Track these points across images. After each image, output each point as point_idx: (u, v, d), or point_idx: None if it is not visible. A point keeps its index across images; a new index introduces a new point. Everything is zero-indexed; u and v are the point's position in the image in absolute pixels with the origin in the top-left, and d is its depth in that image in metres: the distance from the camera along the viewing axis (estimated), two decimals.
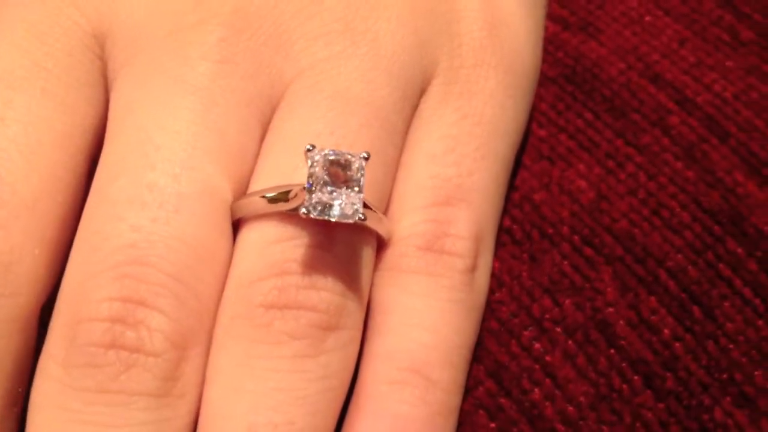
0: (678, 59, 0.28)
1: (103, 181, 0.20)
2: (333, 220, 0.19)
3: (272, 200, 0.20)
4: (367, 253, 0.21)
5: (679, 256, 0.24)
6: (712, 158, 0.26)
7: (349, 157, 0.20)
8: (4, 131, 0.20)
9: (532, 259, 0.24)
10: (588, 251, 0.24)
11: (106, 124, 0.22)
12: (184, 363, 0.19)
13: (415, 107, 0.23)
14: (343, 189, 0.20)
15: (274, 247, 0.20)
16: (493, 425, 0.22)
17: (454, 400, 0.21)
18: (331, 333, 0.20)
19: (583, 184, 0.26)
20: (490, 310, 0.23)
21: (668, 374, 0.22)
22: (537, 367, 0.23)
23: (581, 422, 0.22)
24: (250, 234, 0.20)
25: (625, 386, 0.22)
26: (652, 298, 0.23)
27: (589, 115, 0.27)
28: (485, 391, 0.22)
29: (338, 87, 0.21)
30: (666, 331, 0.23)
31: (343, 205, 0.19)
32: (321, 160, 0.20)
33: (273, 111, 0.22)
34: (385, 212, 0.22)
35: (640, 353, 0.23)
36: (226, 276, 0.20)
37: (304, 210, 0.19)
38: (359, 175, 0.20)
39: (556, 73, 0.28)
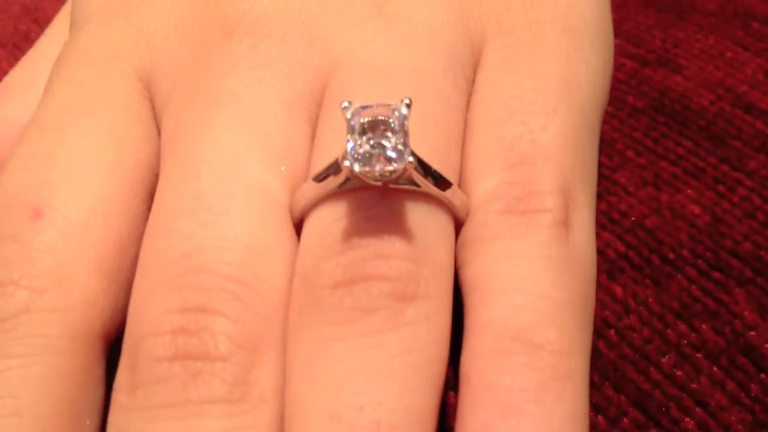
0: None
1: (156, 202, 0.20)
2: (378, 169, 0.17)
3: (321, 179, 0.18)
4: (439, 222, 0.19)
5: None
6: None
7: (387, 103, 0.18)
8: (53, 166, 0.20)
9: (656, 283, 0.22)
10: (716, 275, 0.22)
11: None
12: (257, 368, 0.18)
13: (470, 81, 0.21)
14: (388, 135, 0.18)
15: (332, 226, 0.18)
16: None
17: (571, 362, 0.18)
18: (409, 303, 0.18)
19: (696, 208, 0.24)
20: (620, 335, 0.21)
21: None
22: (684, 395, 0.20)
23: None
24: (308, 223, 0.19)
25: None
26: None
27: (688, 143, 0.26)
28: (631, 421, 0.20)
29: (377, 65, 0.20)
30: None
31: (388, 151, 0.17)
32: (358, 111, 0.18)
33: (319, 106, 0.20)
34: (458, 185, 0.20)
35: None
36: (293, 274, 0.19)
37: (347, 162, 0.17)
38: (402, 119, 0.18)
39: (644, 104, 0.27)
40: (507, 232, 0.19)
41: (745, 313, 0.21)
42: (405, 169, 0.17)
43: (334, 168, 0.18)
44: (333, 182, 0.18)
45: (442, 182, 0.18)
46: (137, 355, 0.18)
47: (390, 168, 0.17)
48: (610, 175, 0.25)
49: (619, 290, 0.22)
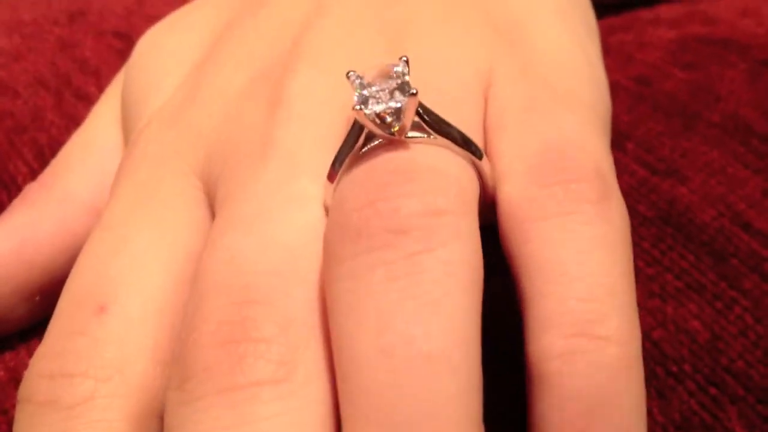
0: (763, 210, 0.30)
1: (209, 234, 0.22)
2: (382, 106, 0.20)
3: (339, 155, 0.21)
4: (456, 160, 0.21)
5: None
6: None
7: (387, 63, 0.21)
8: (114, 264, 0.23)
9: (660, 395, 0.25)
10: (713, 390, 0.25)
11: None
12: (302, 347, 0.19)
13: (484, 99, 0.24)
14: (390, 81, 0.20)
15: (355, 184, 0.20)
16: None
17: (632, 349, 0.19)
18: (441, 217, 0.18)
19: (697, 324, 0.27)
20: None
21: None
22: None
23: None
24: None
25: None
26: None
27: (691, 257, 0.29)
28: None
29: None
30: None
31: (390, 89, 0.20)
32: (361, 74, 0.21)
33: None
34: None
35: None
36: None
37: (357, 107, 0.20)
38: (401, 68, 0.20)
39: (654, 215, 0.30)
40: (555, 208, 0.20)
41: (736, 428, 0.25)
42: (409, 104, 0.20)
43: (352, 132, 0.20)
44: (348, 151, 0.20)
45: (468, 145, 0.21)
46: (185, 352, 0.19)
47: (394, 104, 0.20)
48: None
49: None
